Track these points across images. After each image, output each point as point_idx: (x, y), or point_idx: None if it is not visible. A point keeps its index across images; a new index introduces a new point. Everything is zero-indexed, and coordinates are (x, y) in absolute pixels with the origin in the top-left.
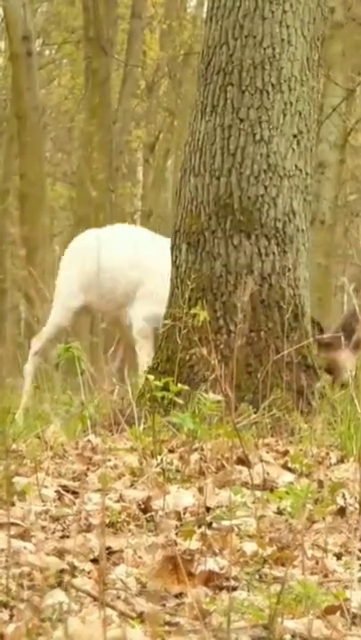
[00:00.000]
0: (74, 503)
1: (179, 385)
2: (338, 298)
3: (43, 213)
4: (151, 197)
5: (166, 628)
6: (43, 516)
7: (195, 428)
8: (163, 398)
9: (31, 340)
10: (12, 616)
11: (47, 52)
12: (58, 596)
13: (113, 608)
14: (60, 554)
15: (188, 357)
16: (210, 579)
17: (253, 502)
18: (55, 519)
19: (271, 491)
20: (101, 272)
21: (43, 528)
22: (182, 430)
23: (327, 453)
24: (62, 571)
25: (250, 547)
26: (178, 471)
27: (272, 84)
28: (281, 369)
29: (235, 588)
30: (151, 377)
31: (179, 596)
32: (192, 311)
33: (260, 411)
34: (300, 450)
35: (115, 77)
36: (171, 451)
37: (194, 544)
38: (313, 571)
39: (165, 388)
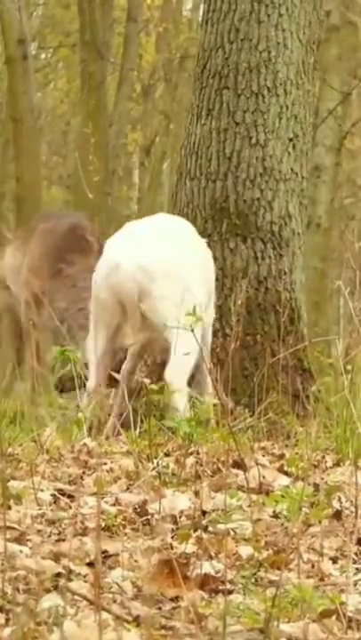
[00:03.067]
0: (70, 507)
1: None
2: (334, 301)
3: None
4: (147, 201)
5: (162, 631)
6: (39, 519)
7: (191, 431)
8: (159, 402)
9: None
10: (7, 620)
11: (43, 56)
12: (54, 599)
13: (109, 612)
14: (56, 557)
15: None
16: (206, 582)
17: (249, 506)
18: (51, 523)
19: (267, 494)
20: None
21: (39, 532)
22: (178, 434)
23: (323, 457)
24: (58, 574)
25: (246, 550)
26: (174, 475)
27: (268, 88)
28: (277, 372)
29: (230, 592)
30: (147, 380)
31: (174, 599)
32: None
33: (255, 414)
34: (296, 453)
35: (110, 81)
36: (167, 454)
37: (190, 547)
38: (309, 574)
39: (161, 391)
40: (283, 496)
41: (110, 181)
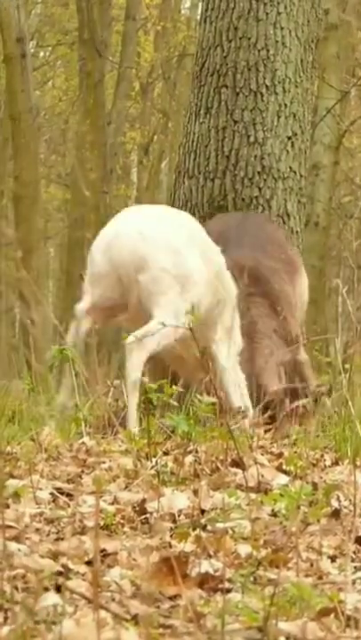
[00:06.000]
0: (68, 505)
1: (173, 387)
2: (332, 300)
3: (37, 215)
4: (146, 199)
5: (161, 630)
6: (37, 518)
7: (189, 430)
8: (157, 400)
9: None
10: (6, 618)
11: (41, 54)
12: (52, 598)
13: (107, 610)
14: (55, 556)
15: None
16: (204, 581)
17: (248, 504)
18: (49, 521)
19: (266, 493)
20: None
21: (37, 530)
22: (177, 432)
23: (322, 455)
24: (57, 573)
25: (244, 549)
26: (172, 473)
27: (266, 86)
28: None
29: (229, 591)
30: (145, 379)
31: (173, 598)
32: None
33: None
34: (295, 452)
35: (109, 79)
36: (165, 453)
37: (188, 546)
38: (307, 573)
39: (160, 390)
40: (281, 495)
41: (108, 180)
